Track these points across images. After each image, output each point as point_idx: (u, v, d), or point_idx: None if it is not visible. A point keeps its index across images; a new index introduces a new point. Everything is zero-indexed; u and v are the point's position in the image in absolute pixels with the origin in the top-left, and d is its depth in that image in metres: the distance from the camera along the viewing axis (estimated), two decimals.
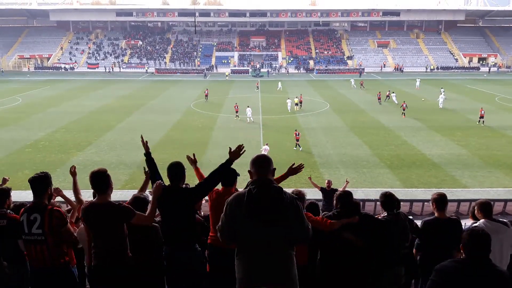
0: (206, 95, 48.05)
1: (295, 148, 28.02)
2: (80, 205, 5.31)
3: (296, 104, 42.30)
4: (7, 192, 5.66)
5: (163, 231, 5.37)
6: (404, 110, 38.61)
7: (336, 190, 14.81)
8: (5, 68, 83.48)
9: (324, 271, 5.24)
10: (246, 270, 3.80)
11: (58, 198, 6.42)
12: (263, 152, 23.78)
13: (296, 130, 28.93)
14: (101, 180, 4.87)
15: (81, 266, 5.74)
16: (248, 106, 37.57)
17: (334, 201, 5.48)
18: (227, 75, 73.21)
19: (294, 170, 5.77)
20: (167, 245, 5.37)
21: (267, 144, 26.72)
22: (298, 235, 3.86)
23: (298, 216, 3.84)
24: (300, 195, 5.53)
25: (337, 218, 5.19)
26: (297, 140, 28.10)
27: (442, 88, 49.02)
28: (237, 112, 37.84)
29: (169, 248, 5.36)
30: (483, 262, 3.82)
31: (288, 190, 4.20)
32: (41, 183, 4.93)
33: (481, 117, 35.21)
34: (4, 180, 6.93)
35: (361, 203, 7.69)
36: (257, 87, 57.54)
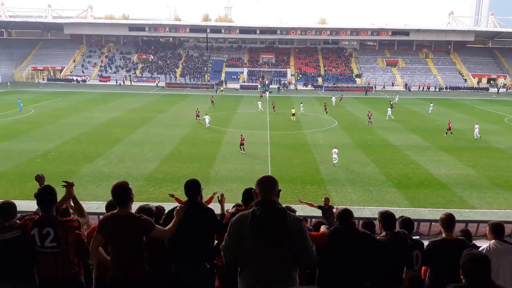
0: (212, 101, 56.18)
1: (242, 152, 30.68)
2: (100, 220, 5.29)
3: (293, 114, 45.45)
4: (13, 206, 5.68)
5: (174, 247, 5.35)
6: (369, 119, 43.33)
7: (334, 207, 14.85)
8: (18, 79, 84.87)
9: None
10: None
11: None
12: (333, 155, 27.85)
13: (241, 135, 31.78)
14: (123, 193, 4.91)
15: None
16: (206, 114, 42.44)
17: (335, 219, 5.49)
18: (222, 90, 75.48)
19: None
20: (176, 262, 5.35)
21: (336, 147, 28.70)
22: (301, 257, 3.88)
23: (302, 239, 3.86)
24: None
25: (335, 235, 5.18)
26: (242, 144, 30.92)
27: (431, 103, 54.23)
28: (198, 116, 44.16)
29: (178, 265, 5.34)
30: (485, 285, 3.80)
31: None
32: (48, 197, 4.98)
33: (449, 129, 38.41)
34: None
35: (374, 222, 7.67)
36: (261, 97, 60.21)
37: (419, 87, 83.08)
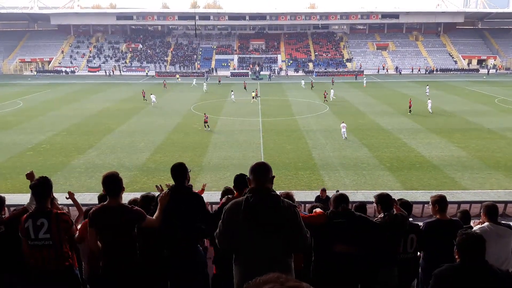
0: (164, 85, 61.58)
1: (205, 129, 33.84)
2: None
3: (253, 97, 49.26)
4: (2, 200, 5.62)
5: (165, 232, 5.36)
6: (325, 97, 48.09)
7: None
8: (6, 72, 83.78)
9: (317, 275, 5.25)
10: (243, 276, 3.83)
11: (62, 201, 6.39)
12: (342, 130, 30.89)
13: (205, 114, 35.35)
14: (114, 183, 4.88)
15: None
16: (151, 94, 47.67)
17: (331, 203, 5.49)
18: (178, 78, 74.03)
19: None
20: (169, 246, 5.37)
21: (343, 122, 32.00)
22: (296, 243, 3.87)
23: (296, 225, 3.84)
24: (288, 197, 5.51)
25: (332, 218, 5.19)
26: (206, 122, 34.17)
27: (427, 85, 55.51)
28: (144, 96, 49.70)
29: (171, 249, 5.36)
30: (479, 265, 3.82)
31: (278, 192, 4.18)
32: (43, 188, 4.93)
33: (410, 107, 41.02)
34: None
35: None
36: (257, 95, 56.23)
37: (419, 70, 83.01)
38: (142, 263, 5.09)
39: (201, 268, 5.61)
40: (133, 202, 5.92)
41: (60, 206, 6.00)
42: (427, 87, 54.16)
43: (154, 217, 5.11)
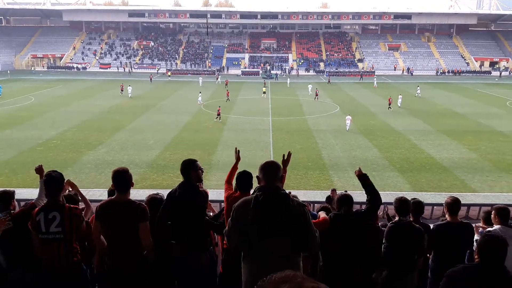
0: (151, 79, 66.63)
1: (215, 119, 36.19)
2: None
3: (264, 93, 51.74)
4: (11, 194, 5.64)
5: (173, 230, 5.35)
6: (317, 95, 49.40)
7: None
8: (18, 67, 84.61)
9: (326, 278, 5.23)
10: (252, 274, 3.84)
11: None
12: (347, 121, 32.87)
13: (219, 107, 37.71)
14: (123, 179, 4.90)
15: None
16: (129, 85, 50.90)
17: (335, 204, 5.51)
18: (169, 75, 75.47)
19: (286, 162, 5.54)
20: (177, 246, 5.34)
21: (348, 115, 33.94)
22: (304, 242, 3.87)
23: (305, 224, 3.85)
24: None
25: (336, 221, 5.20)
26: (218, 114, 36.38)
27: (418, 86, 56.18)
28: (122, 90, 51.64)
29: (179, 249, 5.34)
30: (496, 268, 3.78)
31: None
32: (56, 183, 4.95)
33: (389, 104, 42.92)
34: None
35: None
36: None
37: (445, 72, 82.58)
38: (148, 260, 5.08)
39: (209, 266, 5.60)
40: (151, 200, 5.91)
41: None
42: (418, 88, 54.55)
43: (150, 240, 4.96)
